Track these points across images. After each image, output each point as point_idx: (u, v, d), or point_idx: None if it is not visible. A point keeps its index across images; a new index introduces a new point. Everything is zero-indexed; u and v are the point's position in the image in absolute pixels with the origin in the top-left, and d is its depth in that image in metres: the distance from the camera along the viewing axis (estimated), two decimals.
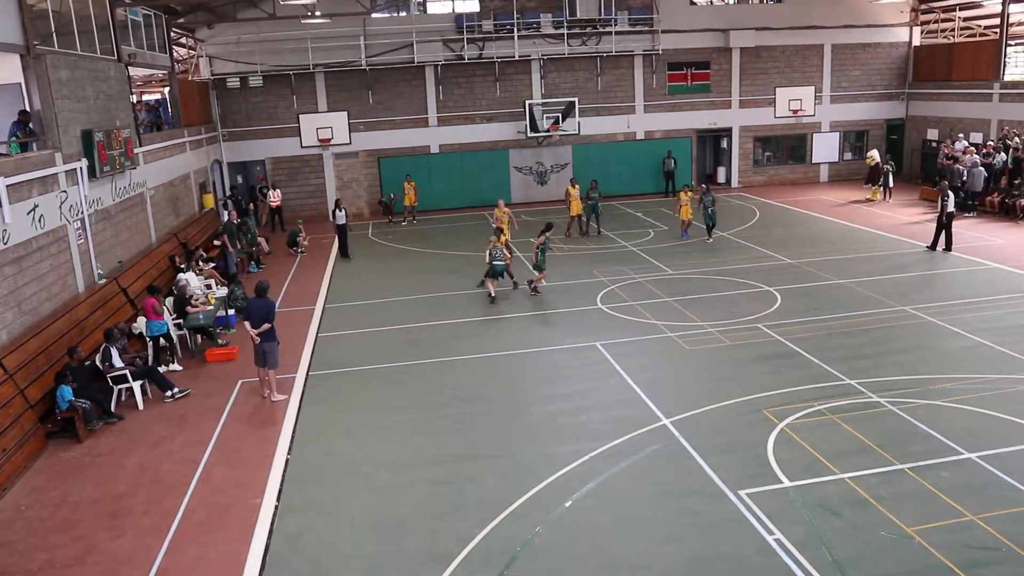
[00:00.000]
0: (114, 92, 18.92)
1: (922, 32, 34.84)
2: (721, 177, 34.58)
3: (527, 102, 30.56)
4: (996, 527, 8.34)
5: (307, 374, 14.22)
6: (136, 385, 13.09)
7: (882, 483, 9.37)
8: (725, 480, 9.61)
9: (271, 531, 9.16)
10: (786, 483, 9.47)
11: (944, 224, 20.42)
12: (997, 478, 9.34)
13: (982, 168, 25.52)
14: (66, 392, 11.94)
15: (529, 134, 30.70)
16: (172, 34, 26.26)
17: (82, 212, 16.02)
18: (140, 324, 15.33)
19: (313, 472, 10.57)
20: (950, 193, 20.44)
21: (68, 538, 9.23)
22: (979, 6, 32.72)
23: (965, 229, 20.69)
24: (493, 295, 18.06)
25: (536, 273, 18.72)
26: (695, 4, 33.18)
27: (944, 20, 35.19)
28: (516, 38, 30.45)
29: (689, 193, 23.76)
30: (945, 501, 8.91)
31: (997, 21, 30.59)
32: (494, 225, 21.38)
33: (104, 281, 16.40)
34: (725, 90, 33.19)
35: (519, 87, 31.46)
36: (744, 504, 9.05)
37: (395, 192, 29.73)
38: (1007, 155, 25.98)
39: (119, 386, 13.09)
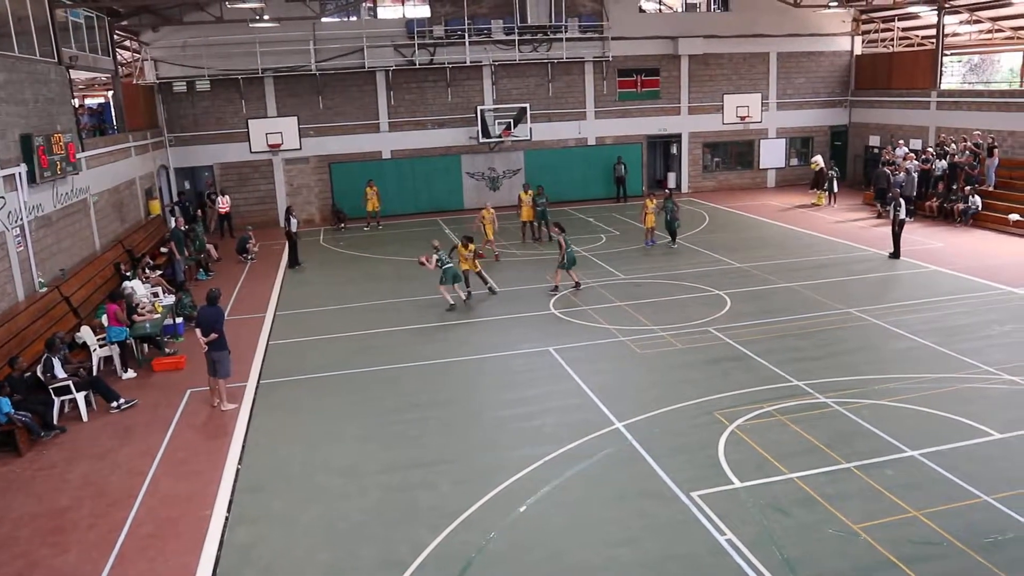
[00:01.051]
0: (54, 95, 18.46)
1: (863, 41, 35.79)
2: (671, 182, 34.99)
3: (479, 108, 30.63)
4: (938, 522, 8.58)
5: (258, 382, 14.01)
6: (80, 396, 12.74)
7: (829, 482, 9.57)
8: (678, 482, 9.72)
9: (222, 542, 9.00)
10: (737, 484, 9.62)
11: (895, 232, 20.91)
12: (938, 474, 9.62)
13: (914, 174, 26.31)
14: (3, 404, 11.56)
15: (481, 140, 30.75)
16: (115, 36, 25.70)
17: (21, 219, 15.59)
18: (84, 333, 14.95)
19: (265, 481, 10.42)
20: (902, 202, 20.91)
21: (9, 555, 8.94)
22: (916, 17, 33.73)
23: (904, 233, 21.30)
24: (452, 303, 17.95)
25: (571, 274, 18.88)
26: (644, 12, 33.60)
27: (884, 30, 36.23)
28: (467, 44, 30.49)
29: (654, 201, 23.83)
30: (889, 498, 9.14)
31: (933, 32, 31.56)
32: (478, 226, 22.37)
33: (45, 289, 15.98)
34: (674, 97, 33.65)
35: (471, 93, 31.49)
36: (696, 505, 9.16)
37: (353, 199, 29.61)
38: (945, 161, 26.78)
39: (61, 397, 12.72)
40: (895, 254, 20.83)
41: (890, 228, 21.13)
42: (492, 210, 23.12)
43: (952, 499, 9.06)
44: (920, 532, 8.46)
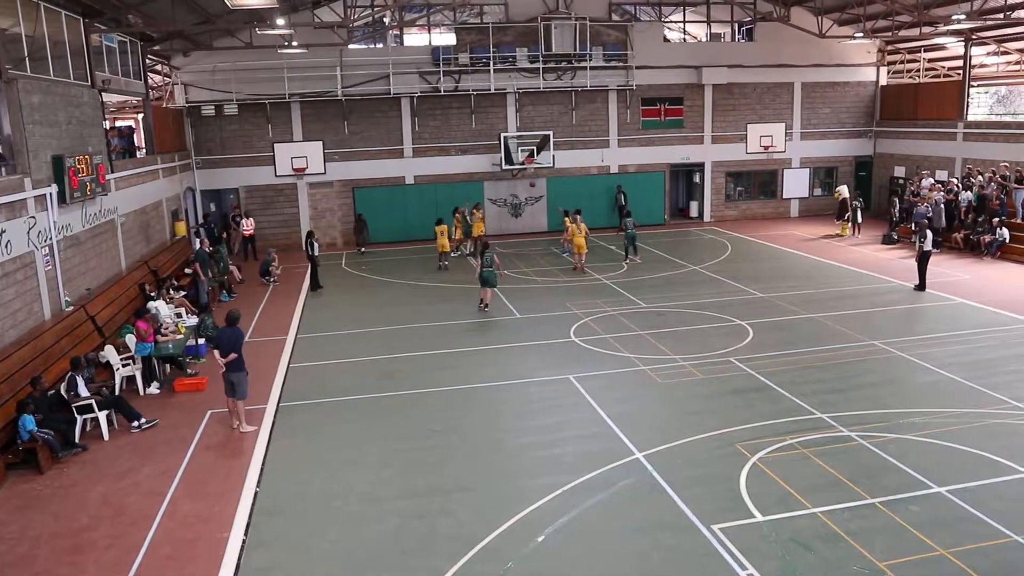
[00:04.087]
0: (87, 118, 18.79)
1: (889, 72, 35.71)
2: (694, 211, 34.96)
3: (502, 135, 30.80)
4: (966, 561, 8.38)
5: (278, 405, 14.03)
6: (102, 415, 12.83)
7: (853, 517, 9.40)
8: (698, 514, 9.58)
9: (238, 566, 8.96)
10: (759, 517, 9.47)
11: (919, 263, 20.64)
12: (966, 512, 9.42)
13: (941, 205, 26.14)
14: (28, 422, 11.66)
15: (504, 166, 30.87)
16: (147, 61, 26.18)
17: (50, 238, 15.81)
18: (107, 352, 15.08)
19: (282, 505, 10.39)
20: (928, 233, 20.62)
21: (27, 574, 8.95)
22: (943, 48, 33.63)
23: (930, 265, 21.04)
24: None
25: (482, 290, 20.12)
26: (668, 41, 33.77)
27: (910, 61, 36.13)
28: (492, 71, 30.74)
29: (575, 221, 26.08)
30: (915, 535, 8.95)
31: (960, 63, 31.44)
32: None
33: (71, 309, 16.14)
34: (698, 126, 33.68)
35: (494, 120, 31.71)
36: (717, 539, 9.02)
37: (375, 223, 29.83)
38: (971, 193, 26.54)
39: (84, 416, 12.81)
40: (920, 286, 20.58)
41: (915, 259, 20.88)
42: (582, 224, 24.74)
43: (981, 538, 8.85)
44: (947, 571, 8.26)
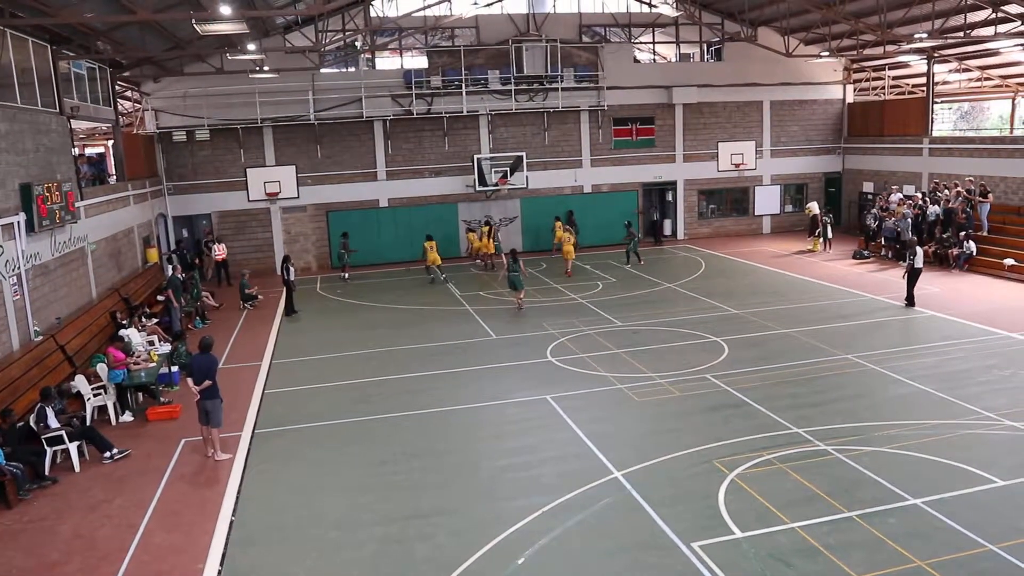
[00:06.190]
0: (55, 145, 18.62)
1: (855, 90, 36.34)
2: (667, 229, 35.18)
3: (475, 156, 30.89)
4: (943, 573, 8.43)
5: (253, 432, 13.87)
6: (72, 447, 12.59)
7: (831, 531, 9.44)
8: (677, 532, 9.58)
9: None
10: (738, 534, 9.48)
11: (909, 279, 20.58)
12: (942, 523, 9.49)
13: (909, 220, 26.54)
14: None
15: (478, 188, 30.96)
16: (117, 87, 26.01)
17: (19, 267, 15.60)
18: (78, 383, 14.84)
19: (259, 534, 10.25)
20: (918, 250, 20.58)
21: None
22: (907, 66, 34.30)
23: (900, 280, 21.28)
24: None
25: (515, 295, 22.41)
26: (639, 62, 34.14)
27: (875, 78, 36.81)
28: (464, 94, 30.89)
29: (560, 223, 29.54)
30: (893, 547, 9.00)
31: (924, 80, 32.07)
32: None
33: (40, 338, 15.90)
34: (669, 145, 34.01)
35: (467, 142, 31.81)
36: (697, 556, 9.02)
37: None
38: (938, 207, 26.97)
39: (54, 447, 12.57)
40: (910, 302, 20.49)
41: (906, 276, 20.72)
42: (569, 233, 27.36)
43: (957, 548, 8.93)
44: None
